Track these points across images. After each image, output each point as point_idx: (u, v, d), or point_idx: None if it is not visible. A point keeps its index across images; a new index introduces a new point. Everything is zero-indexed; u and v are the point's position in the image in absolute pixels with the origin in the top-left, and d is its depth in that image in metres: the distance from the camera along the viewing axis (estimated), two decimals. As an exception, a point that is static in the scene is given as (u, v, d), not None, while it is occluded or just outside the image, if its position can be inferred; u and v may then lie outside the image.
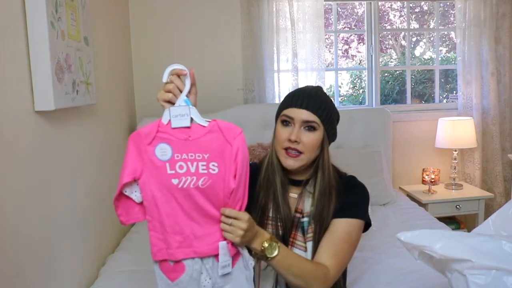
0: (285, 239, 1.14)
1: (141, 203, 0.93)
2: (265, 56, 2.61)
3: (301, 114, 1.10)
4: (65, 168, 1.44)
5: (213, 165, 0.90)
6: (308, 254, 1.12)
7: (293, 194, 1.19)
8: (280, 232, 1.15)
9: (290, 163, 1.12)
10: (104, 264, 1.70)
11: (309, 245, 1.13)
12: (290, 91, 1.26)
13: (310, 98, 1.12)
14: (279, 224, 1.15)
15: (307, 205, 1.16)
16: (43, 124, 1.29)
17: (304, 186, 1.17)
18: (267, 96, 2.65)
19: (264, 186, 1.17)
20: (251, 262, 0.97)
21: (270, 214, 1.17)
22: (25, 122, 1.20)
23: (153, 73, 2.56)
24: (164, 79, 0.92)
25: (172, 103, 0.92)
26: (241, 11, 2.59)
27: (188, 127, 0.90)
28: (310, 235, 1.13)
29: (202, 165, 0.89)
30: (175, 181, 0.89)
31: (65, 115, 1.43)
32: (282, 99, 2.73)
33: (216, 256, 0.92)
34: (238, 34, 2.63)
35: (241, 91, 2.66)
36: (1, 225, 1.06)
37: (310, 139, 1.11)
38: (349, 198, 1.15)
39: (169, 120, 0.90)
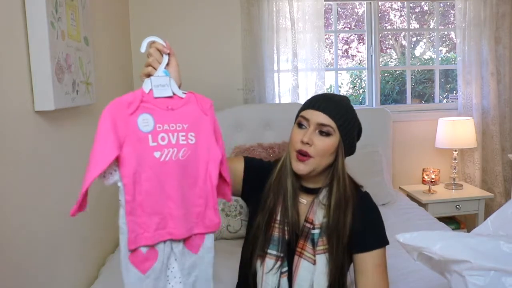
0: (291, 246, 1.11)
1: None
2: (265, 56, 2.61)
3: (317, 117, 1.06)
4: (65, 168, 1.44)
5: (191, 135, 0.88)
6: (317, 267, 1.08)
7: (303, 200, 1.16)
8: (287, 237, 1.11)
9: (300, 167, 1.07)
10: (104, 264, 1.71)
11: (319, 258, 1.09)
12: (312, 94, 1.22)
13: (330, 102, 1.08)
14: (286, 228, 1.11)
15: (319, 216, 1.11)
16: (43, 124, 1.29)
17: (316, 194, 1.13)
18: (267, 96, 2.65)
19: (274, 188, 1.13)
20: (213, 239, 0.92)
21: (278, 218, 1.12)
22: (25, 122, 1.20)
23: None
24: (142, 50, 0.93)
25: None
26: (241, 11, 2.59)
27: (170, 97, 0.89)
28: (320, 247, 1.09)
29: (182, 136, 0.87)
30: (157, 154, 0.84)
31: (65, 115, 1.44)
32: (282, 99, 2.76)
33: (185, 240, 0.88)
34: (238, 34, 2.63)
35: (241, 91, 2.66)
36: (1, 225, 1.06)
37: (323, 144, 1.06)
38: (369, 227, 1.10)
39: (151, 89, 0.88)
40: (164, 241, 0.85)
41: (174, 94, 0.90)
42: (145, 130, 0.84)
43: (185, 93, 0.91)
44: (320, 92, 2.65)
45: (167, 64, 0.93)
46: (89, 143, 1.41)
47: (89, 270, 1.61)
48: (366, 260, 1.08)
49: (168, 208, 0.85)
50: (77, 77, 1.43)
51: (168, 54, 0.93)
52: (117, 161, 0.82)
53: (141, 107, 0.85)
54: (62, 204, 1.40)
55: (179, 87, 0.93)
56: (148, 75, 0.91)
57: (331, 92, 1.17)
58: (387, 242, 1.11)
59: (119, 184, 0.83)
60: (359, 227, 1.09)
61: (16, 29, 1.16)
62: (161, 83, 0.88)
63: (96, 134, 0.83)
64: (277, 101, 2.69)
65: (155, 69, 0.91)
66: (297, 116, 1.14)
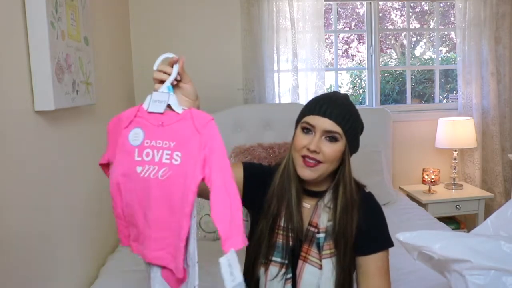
0: (296, 252, 1.09)
1: None
2: (265, 56, 2.61)
3: (323, 123, 1.03)
4: (65, 168, 1.44)
5: (177, 155, 0.81)
6: (324, 272, 1.06)
7: (306, 204, 1.13)
8: (291, 243, 1.09)
9: (307, 173, 1.05)
10: (104, 264, 1.71)
11: (326, 262, 1.07)
12: (317, 95, 1.16)
13: (335, 107, 1.04)
14: (290, 235, 1.09)
15: (324, 220, 1.09)
16: (43, 124, 1.29)
17: (320, 198, 1.12)
18: (267, 96, 2.65)
19: (277, 193, 1.10)
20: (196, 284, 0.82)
21: (282, 224, 1.10)
22: (25, 122, 1.20)
23: (153, 73, 2.56)
24: (155, 67, 0.90)
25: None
26: (241, 11, 2.59)
27: (162, 114, 0.85)
28: (327, 252, 1.07)
29: (167, 154, 0.82)
30: (138, 169, 0.83)
31: (65, 115, 1.43)
32: (282, 99, 2.76)
33: (162, 268, 0.83)
34: (238, 34, 2.63)
35: (241, 91, 2.66)
36: (1, 225, 1.06)
37: (331, 150, 1.03)
38: (373, 229, 1.09)
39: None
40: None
41: (172, 110, 0.85)
42: (134, 144, 0.85)
43: (184, 109, 0.86)
44: (320, 92, 2.65)
45: (176, 86, 0.89)
46: (89, 143, 1.41)
47: (89, 270, 1.61)
48: (369, 262, 1.07)
49: (143, 226, 0.84)
50: (77, 77, 1.43)
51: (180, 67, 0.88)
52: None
53: (134, 122, 0.86)
54: (62, 204, 1.40)
55: (198, 108, 0.90)
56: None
57: (332, 91, 1.15)
58: (391, 244, 1.10)
59: None
60: (363, 229, 1.08)
61: (16, 29, 1.16)
62: (159, 99, 0.86)
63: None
64: (277, 101, 2.69)
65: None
66: (300, 119, 1.10)
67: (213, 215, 0.77)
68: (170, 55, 0.88)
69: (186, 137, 0.82)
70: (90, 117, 1.69)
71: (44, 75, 1.21)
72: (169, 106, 0.85)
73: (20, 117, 1.17)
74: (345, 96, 1.11)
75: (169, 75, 0.87)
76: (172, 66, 0.87)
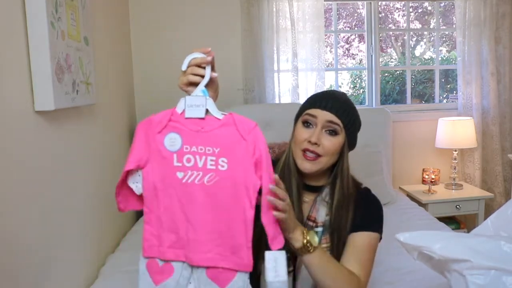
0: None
1: (140, 195, 0.88)
2: (265, 56, 2.61)
3: (324, 115, 1.06)
4: (65, 168, 1.44)
5: (223, 161, 0.83)
6: None
7: (305, 199, 1.15)
8: None
9: (307, 166, 1.07)
10: (104, 264, 1.70)
11: None
12: (316, 92, 1.19)
13: (336, 101, 1.08)
14: None
15: (321, 214, 1.12)
16: (43, 124, 1.29)
17: (318, 192, 1.14)
18: (267, 96, 2.65)
19: None
20: (248, 283, 0.86)
21: None
22: (25, 122, 1.20)
23: (153, 73, 2.56)
24: (183, 68, 0.87)
25: (195, 85, 0.87)
26: (241, 11, 2.59)
27: (202, 119, 0.84)
28: (324, 245, 1.09)
29: (211, 160, 0.83)
30: (180, 175, 0.83)
31: (65, 115, 1.43)
32: (282, 99, 2.75)
33: (207, 268, 0.84)
34: (238, 34, 2.63)
35: (241, 91, 2.66)
36: (1, 225, 1.06)
37: (331, 143, 1.06)
38: (367, 213, 1.11)
39: (184, 110, 0.85)
40: (183, 262, 0.85)
41: (210, 114, 0.85)
42: (171, 149, 0.84)
43: (224, 114, 0.86)
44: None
45: (208, 84, 0.87)
46: (89, 143, 1.41)
47: (89, 270, 1.61)
48: (362, 237, 1.08)
49: (185, 229, 0.84)
50: (77, 77, 1.43)
51: (212, 66, 0.87)
52: (140, 173, 0.86)
53: (169, 126, 0.85)
54: (62, 204, 1.40)
55: (216, 98, 0.89)
56: (191, 84, 0.87)
57: (331, 89, 1.17)
58: (380, 232, 1.12)
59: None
60: (363, 214, 1.10)
61: (16, 29, 1.16)
62: (195, 103, 0.84)
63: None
64: (277, 101, 2.69)
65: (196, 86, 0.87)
66: (300, 113, 1.13)
67: (263, 218, 0.83)
68: (199, 55, 0.86)
69: (231, 143, 0.83)
70: (90, 117, 1.69)
71: (44, 75, 1.21)
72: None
73: (20, 117, 1.17)
74: (344, 93, 1.16)
75: (200, 76, 0.86)
76: (199, 66, 0.86)
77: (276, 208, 0.85)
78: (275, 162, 1.17)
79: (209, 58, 0.86)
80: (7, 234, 1.09)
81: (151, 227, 0.85)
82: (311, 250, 0.95)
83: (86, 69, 1.52)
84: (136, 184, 0.87)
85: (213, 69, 0.88)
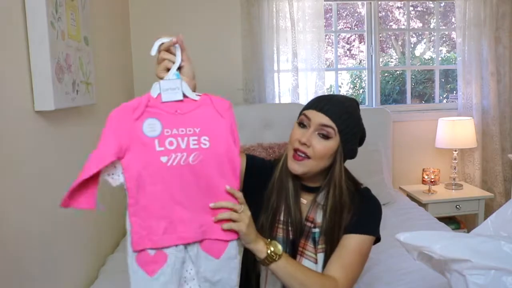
0: (295, 246, 1.11)
1: (91, 188, 0.82)
2: (265, 56, 2.61)
3: (318, 117, 1.05)
4: (65, 168, 1.44)
5: (205, 139, 0.85)
6: (319, 266, 1.09)
7: (304, 200, 1.15)
8: (291, 236, 1.11)
9: (294, 167, 1.07)
10: (104, 264, 1.71)
11: (320, 256, 1.10)
12: (317, 95, 1.18)
13: (334, 105, 1.06)
14: (289, 228, 1.11)
15: (319, 216, 1.12)
16: (43, 124, 1.29)
17: (317, 193, 1.13)
18: (267, 96, 2.65)
19: (277, 188, 1.13)
20: (239, 248, 0.91)
21: (282, 218, 1.12)
22: (25, 122, 1.20)
23: (153, 73, 2.55)
24: (152, 53, 0.87)
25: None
26: (241, 11, 2.59)
27: (180, 101, 0.85)
28: (321, 246, 1.10)
29: (193, 140, 0.85)
30: (164, 159, 0.83)
31: (65, 115, 1.43)
32: (282, 99, 2.75)
33: (200, 242, 0.86)
34: (238, 34, 2.63)
35: (241, 91, 2.66)
36: (1, 225, 1.06)
37: (321, 146, 1.04)
38: (363, 213, 1.10)
39: (159, 94, 0.85)
40: (176, 245, 0.84)
41: (186, 97, 0.86)
42: (151, 135, 0.83)
43: (199, 95, 0.88)
44: (320, 92, 2.65)
45: (179, 68, 0.88)
46: (89, 143, 1.41)
47: (89, 270, 1.61)
48: (352, 240, 1.07)
49: (176, 212, 0.84)
50: (77, 77, 1.43)
51: (181, 47, 0.87)
52: (122, 165, 0.82)
53: (147, 112, 0.84)
54: (62, 204, 1.40)
55: (194, 88, 0.90)
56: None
57: (340, 95, 1.15)
58: (375, 233, 1.11)
59: (125, 187, 0.83)
60: (358, 214, 1.09)
61: (16, 29, 1.16)
62: (171, 87, 0.85)
63: (100, 139, 0.83)
64: (277, 101, 2.69)
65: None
66: (300, 114, 1.13)
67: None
68: (166, 39, 0.86)
69: (211, 122, 0.86)
70: (90, 117, 1.69)
71: (44, 75, 1.21)
72: None
73: (20, 117, 1.17)
74: (351, 100, 1.12)
75: (171, 60, 0.86)
76: (168, 51, 0.87)
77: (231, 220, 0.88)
78: (274, 163, 1.18)
79: (174, 39, 0.86)
80: (6, 234, 1.09)
81: (138, 218, 0.82)
82: (277, 259, 0.97)
83: (86, 69, 1.52)
84: (112, 176, 0.83)
85: (184, 53, 0.88)
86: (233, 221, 0.88)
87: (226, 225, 0.87)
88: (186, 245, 0.85)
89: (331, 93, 2.75)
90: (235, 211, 0.88)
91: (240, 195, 0.90)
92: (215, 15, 2.63)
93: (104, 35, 1.97)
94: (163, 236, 0.83)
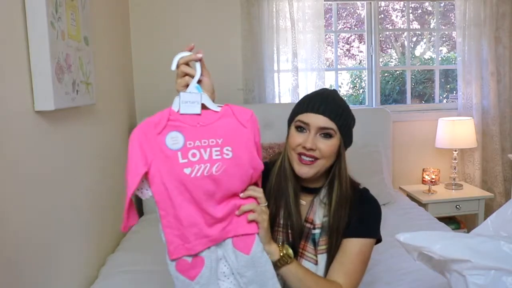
0: (295, 248, 1.10)
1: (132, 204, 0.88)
2: (265, 56, 2.61)
3: (317, 120, 1.04)
4: (65, 168, 1.44)
5: (227, 149, 0.87)
6: (319, 268, 1.08)
7: (303, 201, 1.15)
8: (291, 239, 1.11)
9: (305, 170, 1.06)
10: (104, 264, 1.70)
11: (321, 258, 1.09)
12: (308, 93, 1.17)
13: (328, 103, 1.05)
14: (289, 231, 1.11)
15: (319, 216, 1.11)
16: (43, 124, 1.29)
17: (316, 194, 1.13)
18: (267, 96, 2.65)
19: (275, 192, 1.12)
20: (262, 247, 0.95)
21: (281, 221, 1.12)
22: (25, 122, 1.20)
23: (153, 73, 2.56)
24: (173, 68, 0.90)
25: None
26: (241, 11, 2.59)
27: (199, 114, 0.87)
28: (322, 247, 1.09)
29: (216, 151, 0.86)
30: (187, 171, 0.85)
31: (65, 115, 1.43)
32: (282, 99, 2.75)
33: (232, 239, 0.90)
34: (238, 34, 2.63)
35: (241, 91, 2.66)
36: (1, 225, 1.06)
37: (327, 146, 1.05)
38: (362, 215, 1.10)
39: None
40: (209, 247, 0.88)
41: (207, 108, 0.89)
42: (174, 148, 0.85)
43: (220, 106, 0.90)
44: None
45: (199, 82, 0.90)
46: (89, 143, 1.41)
47: (89, 270, 1.61)
48: (353, 244, 1.08)
49: (203, 219, 0.87)
50: (77, 77, 1.43)
51: (200, 61, 0.90)
52: (148, 178, 0.86)
53: (169, 126, 0.86)
54: (62, 204, 1.40)
55: (213, 98, 0.92)
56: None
57: (321, 88, 1.15)
58: (376, 235, 1.11)
59: (154, 200, 0.87)
60: (357, 216, 1.09)
61: (16, 29, 1.16)
62: (190, 100, 0.87)
63: (128, 157, 0.87)
64: (277, 101, 2.69)
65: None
66: (292, 118, 1.11)
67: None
68: (186, 53, 0.88)
69: (233, 132, 0.88)
70: (90, 117, 1.69)
71: (44, 75, 1.21)
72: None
73: (20, 117, 1.17)
74: (335, 91, 1.13)
75: (189, 74, 0.88)
76: (187, 65, 0.89)
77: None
78: (270, 165, 1.16)
79: (199, 55, 0.89)
80: (7, 234, 1.09)
81: (171, 229, 0.86)
82: (289, 262, 0.99)
83: (86, 69, 1.52)
84: (141, 191, 0.87)
85: (204, 67, 0.91)
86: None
87: (251, 216, 0.91)
88: (218, 245, 0.90)
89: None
90: (259, 202, 0.94)
91: (262, 195, 0.95)
92: (215, 15, 2.63)
93: (104, 35, 1.97)
94: (196, 242, 0.87)
